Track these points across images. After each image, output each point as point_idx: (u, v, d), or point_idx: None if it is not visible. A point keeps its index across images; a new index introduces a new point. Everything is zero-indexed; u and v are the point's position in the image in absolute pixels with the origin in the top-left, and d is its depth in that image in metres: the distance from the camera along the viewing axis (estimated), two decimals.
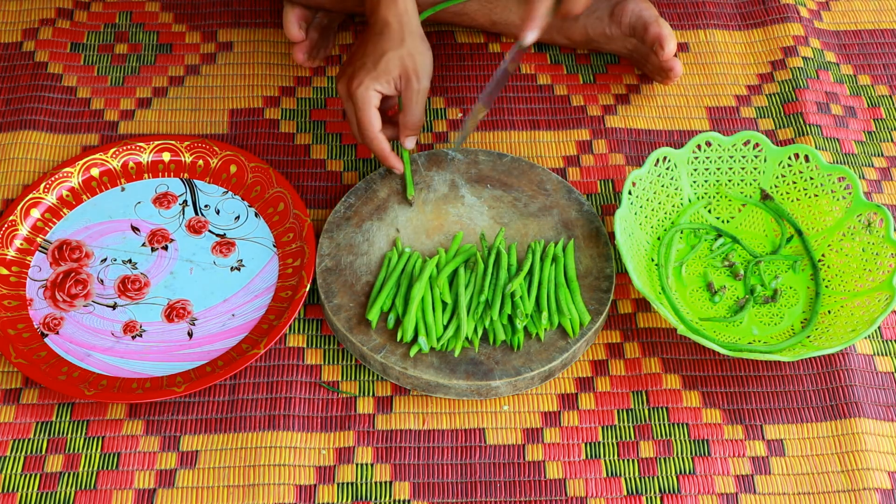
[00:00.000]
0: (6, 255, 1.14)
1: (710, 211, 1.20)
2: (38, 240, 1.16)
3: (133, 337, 1.09)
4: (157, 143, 1.23)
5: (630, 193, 1.13)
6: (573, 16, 1.10)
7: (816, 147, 1.27)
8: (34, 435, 1.03)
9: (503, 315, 1.07)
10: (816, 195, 1.17)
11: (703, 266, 1.16)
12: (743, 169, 1.19)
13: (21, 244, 1.15)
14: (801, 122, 1.29)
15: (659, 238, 1.17)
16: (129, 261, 1.15)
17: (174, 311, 1.11)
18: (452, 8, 1.32)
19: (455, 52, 1.37)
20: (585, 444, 1.04)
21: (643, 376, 1.09)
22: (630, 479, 1.02)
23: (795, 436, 1.05)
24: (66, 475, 1.01)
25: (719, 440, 1.05)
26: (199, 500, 1.00)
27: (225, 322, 1.10)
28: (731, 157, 1.19)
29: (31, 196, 1.17)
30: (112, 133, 1.27)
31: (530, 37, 1.08)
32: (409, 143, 1.16)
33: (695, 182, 1.19)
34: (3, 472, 1.01)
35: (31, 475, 1.01)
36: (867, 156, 1.28)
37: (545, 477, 1.02)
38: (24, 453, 1.02)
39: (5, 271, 1.13)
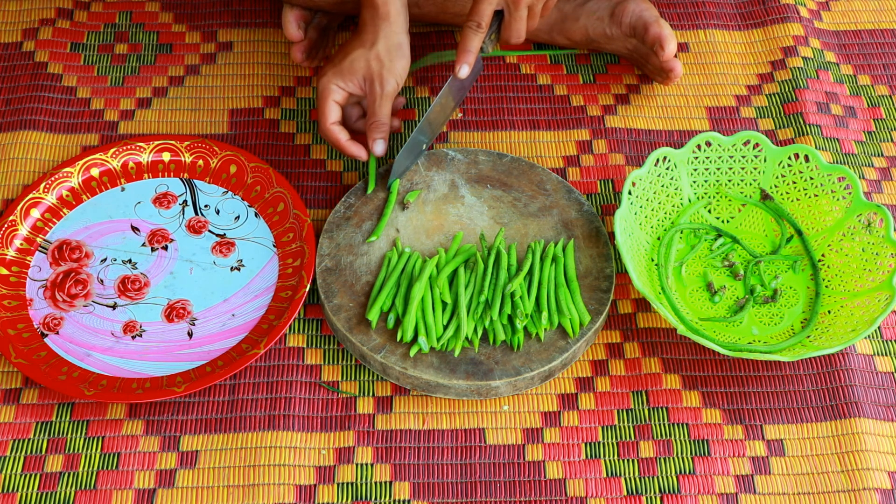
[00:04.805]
0: (6, 255, 1.14)
1: (710, 211, 1.20)
2: (38, 240, 1.16)
3: (133, 337, 1.09)
4: (157, 143, 1.23)
5: (630, 193, 1.13)
6: (512, 44, 1.16)
7: (816, 147, 1.27)
8: (34, 435, 1.03)
9: (503, 315, 1.07)
10: (816, 195, 1.17)
11: (703, 266, 1.16)
12: (743, 169, 1.19)
13: (21, 244, 1.15)
14: (801, 122, 1.29)
15: (659, 238, 1.17)
16: (129, 261, 1.15)
17: (174, 311, 1.11)
18: (452, 9, 1.32)
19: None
20: (585, 444, 1.04)
21: (643, 376, 1.09)
22: (630, 479, 1.02)
23: (795, 436, 1.05)
24: (66, 475, 1.01)
25: (719, 440, 1.05)
26: (199, 500, 1.00)
27: (225, 322, 1.10)
28: (731, 157, 1.19)
29: (31, 196, 1.17)
30: (112, 133, 1.27)
31: (463, 70, 1.14)
32: (377, 147, 1.15)
33: (695, 182, 1.19)
34: (3, 472, 1.01)
35: (31, 475, 1.01)
36: (867, 156, 1.28)
37: (545, 477, 1.02)
38: (24, 453, 1.02)
39: (5, 271, 1.13)
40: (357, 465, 1.02)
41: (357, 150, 1.16)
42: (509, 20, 1.13)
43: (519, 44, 1.16)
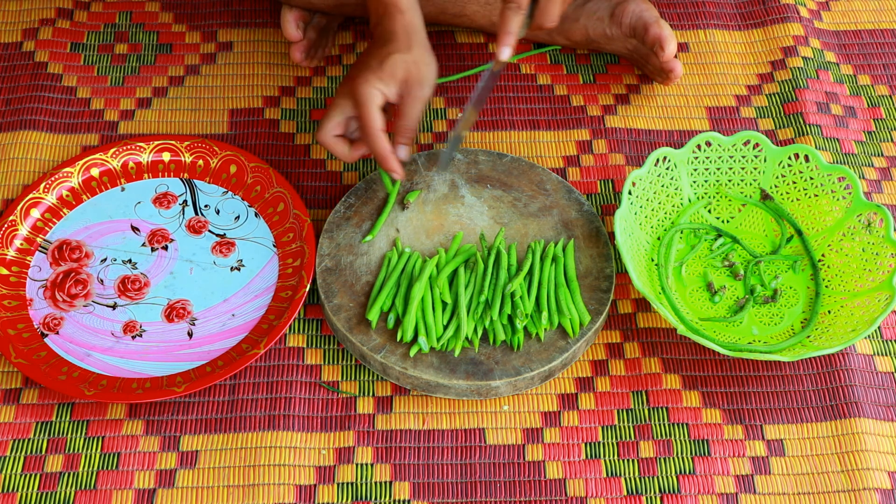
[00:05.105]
0: (6, 255, 1.14)
1: (710, 211, 1.20)
2: (38, 240, 1.16)
3: (133, 337, 1.09)
4: (157, 143, 1.23)
5: (630, 193, 1.13)
6: (546, 29, 1.11)
7: (816, 147, 1.27)
8: (34, 435, 1.03)
9: (503, 315, 1.07)
10: (816, 195, 1.17)
11: (703, 266, 1.16)
12: (743, 169, 1.19)
13: (21, 244, 1.15)
14: (801, 122, 1.29)
15: (659, 238, 1.17)
16: (129, 261, 1.15)
17: (174, 311, 1.11)
18: (452, 9, 1.32)
19: (455, 52, 1.37)
20: (585, 444, 1.04)
21: (643, 376, 1.09)
22: (630, 479, 1.02)
23: (795, 436, 1.05)
24: (66, 475, 1.01)
25: (719, 440, 1.05)
26: (199, 500, 1.00)
27: (225, 322, 1.10)
28: (731, 157, 1.19)
29: (31, 196, 1.17)
30: (112, 133, 1.27)
31: (505, 53, 1.09)
32: (402, 151, 1.11)
33: (695, 182, 1.19)
34: (3, 472, 1.01)
35: (31, 475, 1.01)
36: (867, 156, 1.28)
37: (545, 477, 1.02)
38: (24, 453, 1.02)
39: (5, 271, 1.13)
40: (357, 465, 1.02)
41: (397, 166, 1.11)
42: (545, 3, 1.11)
43: (553, 27, 1.13)
